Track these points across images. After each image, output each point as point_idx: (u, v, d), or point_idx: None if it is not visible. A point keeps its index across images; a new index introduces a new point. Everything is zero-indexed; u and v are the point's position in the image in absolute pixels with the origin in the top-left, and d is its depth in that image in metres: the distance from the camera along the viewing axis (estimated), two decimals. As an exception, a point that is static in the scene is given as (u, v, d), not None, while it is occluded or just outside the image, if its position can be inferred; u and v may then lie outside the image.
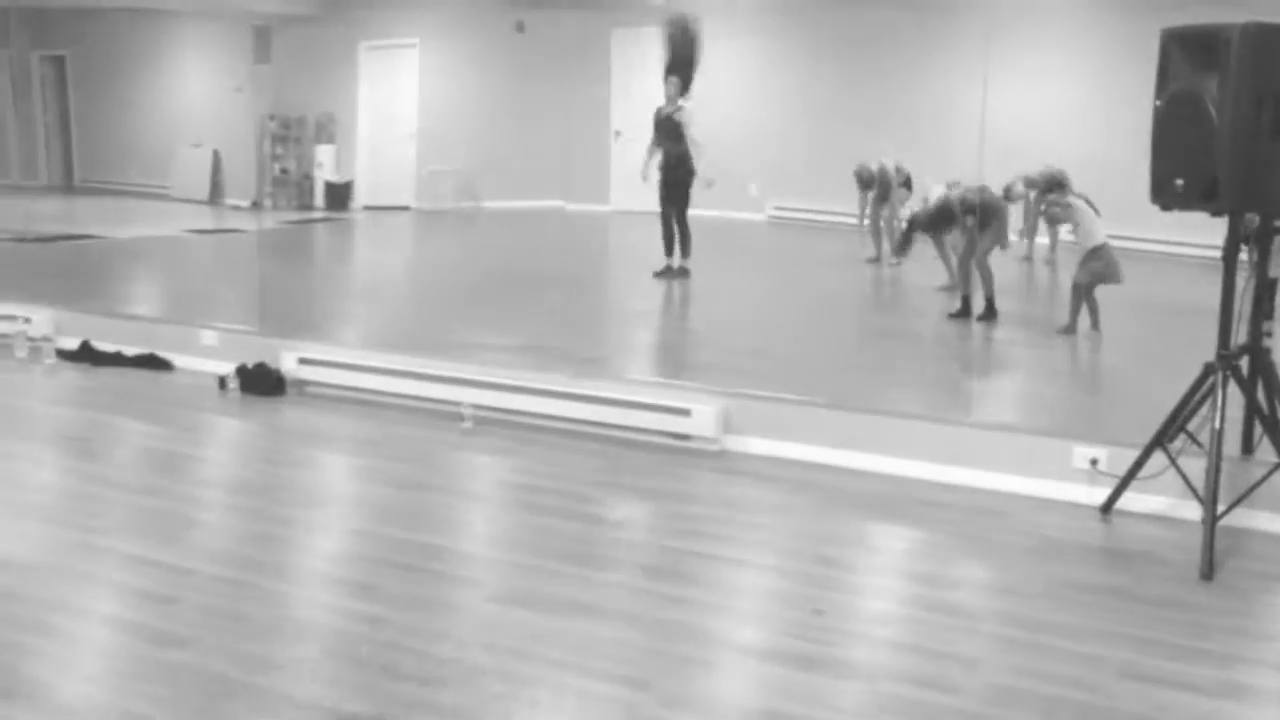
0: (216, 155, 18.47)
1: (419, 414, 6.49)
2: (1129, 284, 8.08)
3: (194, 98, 19.02)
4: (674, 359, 7.78)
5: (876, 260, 11.37)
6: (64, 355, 7.72)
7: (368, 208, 17.05)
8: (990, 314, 8.49)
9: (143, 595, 4.10)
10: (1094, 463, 5.15)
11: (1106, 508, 5.04)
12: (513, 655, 3.66)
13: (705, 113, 12.04)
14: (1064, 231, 9.48)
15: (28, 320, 7.90)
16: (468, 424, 6.26)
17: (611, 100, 16.32)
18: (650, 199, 15.69)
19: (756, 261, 11.67)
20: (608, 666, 3.60)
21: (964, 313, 8.57)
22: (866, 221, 11.73)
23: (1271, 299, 5.85)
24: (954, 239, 9.33)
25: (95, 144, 20.20)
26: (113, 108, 19.91)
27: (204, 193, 18.23)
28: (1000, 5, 13.37)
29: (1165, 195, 4.79)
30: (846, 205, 14.05)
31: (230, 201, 17.53)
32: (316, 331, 7.77)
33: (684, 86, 10.72)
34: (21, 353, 7.75)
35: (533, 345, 7.41)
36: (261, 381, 6.96)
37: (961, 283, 8.83)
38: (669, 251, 10.53)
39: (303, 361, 6.97)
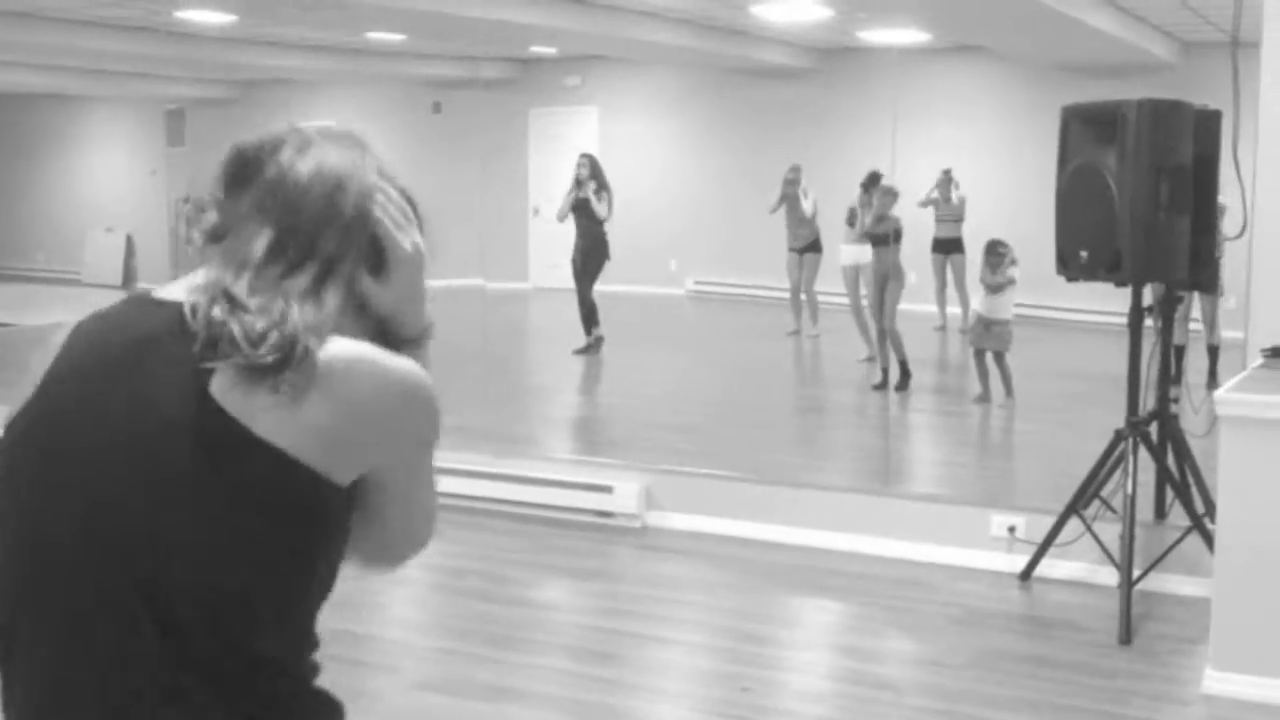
0: (129, 239, 18.27)
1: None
2: (1041, 351, 8.23)
3: (105, 181, 18.86)
4: (596, 436, 7.78)
5: (797, 333, 11.46)
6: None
7: (285, 289, 16.95)
8: (905, 379, 8.55)
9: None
10: (1011, 530, 5.21)
11: (1025, 575, 5.09)
12: (436, 744, 3.60)
13: (619, 191, 12.16)
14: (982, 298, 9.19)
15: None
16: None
17: (530, 178, 16.43)
18: (567, 276, 15.76)
19: (678, 336, 11.74)
20: (533, 753, 3.56)
21: (885, 383, 8.58)
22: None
23: (1178, 365, 6.00)
24: (862, 302, 9.46)
25: (5, 228, 19.89)
26: (23, 191, 19.66)
27: (117, 277, 18.00)
28: (906, 79, 13.71)
29: (1070, 267, 4.90)
30: (767, 279, 14.22)
31: (144, 285, 17.31)
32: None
33: (594, 169, 10.98)
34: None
35: (454, 425, 7.34)
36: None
37: (880, 352, 8.88)
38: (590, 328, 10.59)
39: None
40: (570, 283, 13.96)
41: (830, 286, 12.41)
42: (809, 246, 11.47)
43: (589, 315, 10.72)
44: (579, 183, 10.99)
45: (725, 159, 14.91)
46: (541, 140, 16.36)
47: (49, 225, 19.42)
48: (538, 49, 14.77)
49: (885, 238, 9.11)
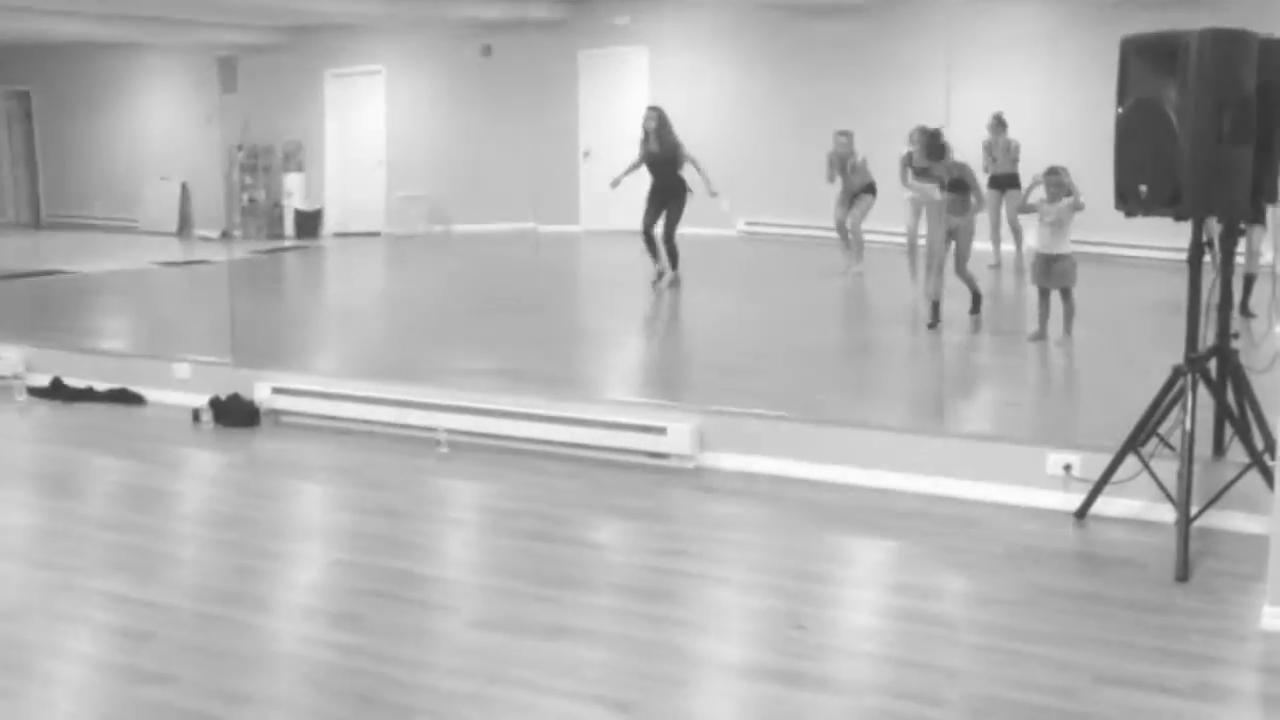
0: (184, 187, 18.42)
1: (395, 440, 6.48)
2: (1099, 288, 8.14)
3: (160, 130, 18.98)
4: (649, 378, 7.79)
5: (847, 272, 11.43)
6: (35, 393, 7.67)
7: (338, 235, 17.02)
8: (978, 303, 8.72)
9: (120, 632, 4.07)
10: (1068, 469, 5.18)
11: (1081, 513, 5.07)
12: (492, 680, 3.65)
13: (675, 129, 12.11)
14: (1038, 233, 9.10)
15: (-2, 358, 7.86)
16: (444, 449, 6.25)
17: (580, 121, 16.36)
18: (619, 218, 15.76)
19: (730, 277, 11.70)
20: (589, 689, 3.60)
21: (937, 321, 8.60)
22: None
23: (1246, 297, 5.90)
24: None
25: (62, 179, 20.11)
26: (79, 142, 19.84)
27: (173, 225, 18.18)
28: (963, 14, 13.48)
29: (1129, 202, 4.83)
30: (819, 219, 14.11)
31: (199, 233, 17.47)
32: (289, 361, 7.74)
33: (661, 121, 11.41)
34: (-8, 391, 7.71)
35: (508, 368, 7.41)
36: (235, 413, 6.93)
37: (937, 289, 8.86)
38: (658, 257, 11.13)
39: (276, 391, 6.95)
40: (623, 225, 14.02)
41: (878, 224, 12.31)
42: (863, 189, 11.39)
43: (675, 254, 11.11)
44: (647, 134, 11.24)
45: (777, 98, 14.77)
46: (591, 81, 16.28)
47: (105, 174, 19.61)
48: (587, -11, 14.67)
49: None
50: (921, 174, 9.38)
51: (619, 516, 5.36)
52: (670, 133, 11.20)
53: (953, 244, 8.80)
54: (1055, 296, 8.01)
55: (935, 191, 9.33)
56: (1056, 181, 8.24)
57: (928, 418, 6.02)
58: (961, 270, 8.69)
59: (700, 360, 8.25)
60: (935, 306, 8.67)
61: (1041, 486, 5.23)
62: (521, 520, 5.25)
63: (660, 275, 11.03)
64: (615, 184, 11.42)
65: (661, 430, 5.92)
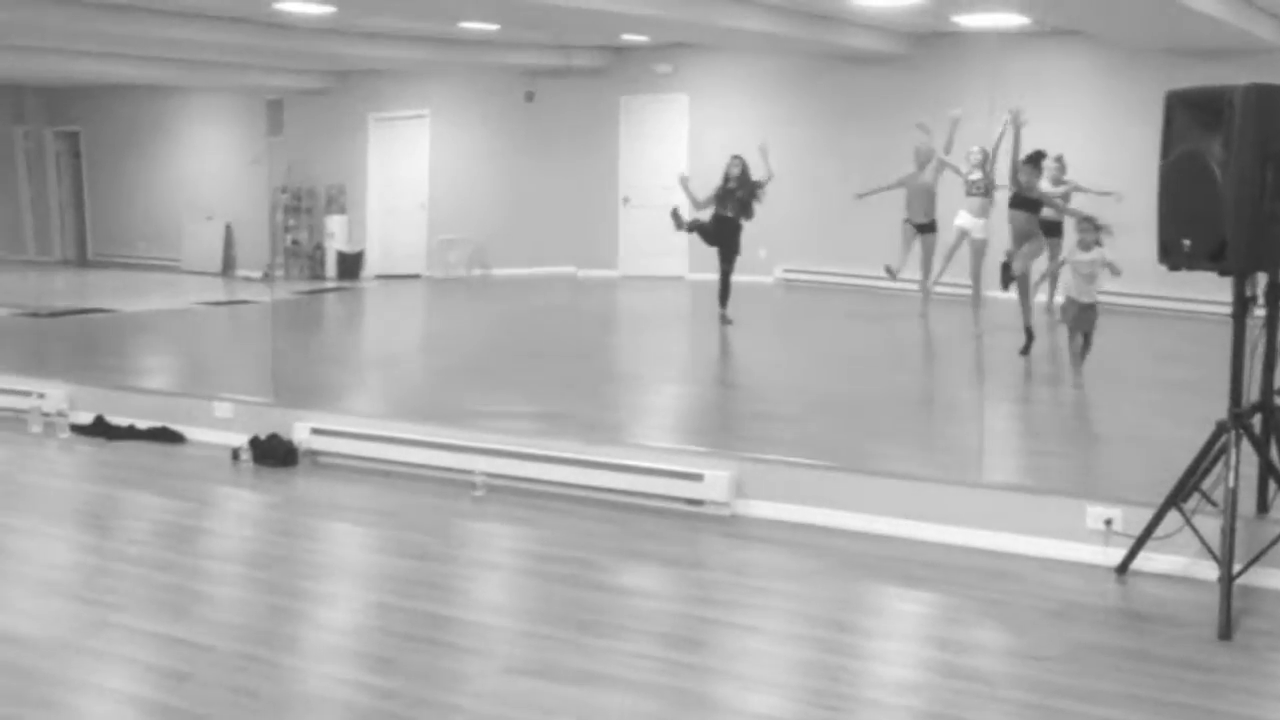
0: (229, 228, 18.64)
1: (431, 483, 6.49)
2: (1143, 340, 8.12)
3: (206, 171, 19.23)
4: (686, 423, 7.78)
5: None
6: (78, 430, 7.74)
7: (379, 277, 17.16)
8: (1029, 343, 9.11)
9: (156, 671, 4.09)
10: (1108, 523, 5.12)
11: (1122, 568, 5.01)
12: (527, 727, 3.64)
13: (708, 178, 12.19)
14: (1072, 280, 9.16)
15: (42, 395, 7.94)
16: (480, 492, 6.26)
17: (620, 167, 16.46)
18: (656, 264, 15.85)
19: (767, 324, 11.71)
20: (622, 738, 3.58)
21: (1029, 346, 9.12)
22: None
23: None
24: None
25: (108, 218, 20.41)
26: (126, 182, 20.14)
27: (216, 265, 18.39)
28: (1005, 67, 13.52)
29: (1173, 255, 4.81)
30: (855, 266, 14.11)
31: (242, 273, 17.66)
32: (329, 401, 7.80)
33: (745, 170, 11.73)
34: (36, 428, 7.78)
35: (545, 412, 7.42)
36: (274, 453, 6.97)
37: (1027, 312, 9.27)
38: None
39: (315, 432, 6.99)
40: (660, 270, 14.28)
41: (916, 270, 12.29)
42: (930, 224, 11.63)
43: (727, 293, 11.52)
44: (729, 178, 11.63)
45: (816, 146, 14.82)
46: (632, 128, 16.40)
47: (151, 214, 19.88)
48: (629, 37, 14.78)
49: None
50: (1023, 204, 9.49)
51: (654, 563, 5.35)
52: (749, 178, 11.63)
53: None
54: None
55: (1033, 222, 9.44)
56: (1089, 230, 8.27)
57: (966, 468, 5.97)
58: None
59: (737, 407, 8.24)
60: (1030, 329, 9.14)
61: (1081, 541, 5.17)
62: (556, 565, 5.25)
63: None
64: (681, 226, 11.81)
65: (698, 477, 5.91)
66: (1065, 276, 8.72)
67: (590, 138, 16.53)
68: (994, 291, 11.27)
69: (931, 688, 3.96)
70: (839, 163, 14.69)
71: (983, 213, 10.83)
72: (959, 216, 11.10)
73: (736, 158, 11.80)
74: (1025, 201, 9.31)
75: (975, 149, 10.97)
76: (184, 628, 4.46)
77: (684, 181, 11.90)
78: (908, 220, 11.67)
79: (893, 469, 5.89)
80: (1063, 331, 9.03)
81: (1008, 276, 9.42)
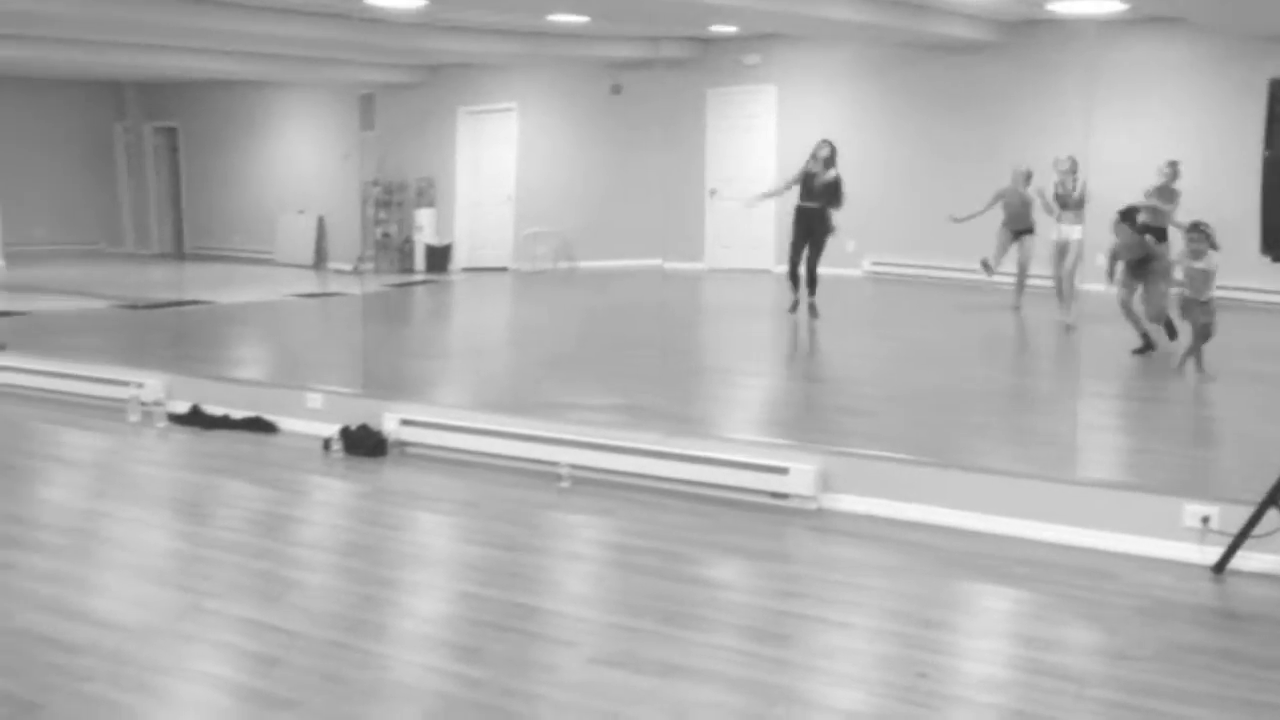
0: (321, 221, 18.91)
1: (517, 474, 6.54)
2: (1242, 335, 7.95)
3: (299, 165, 19.53)
4: (772, 417, 7.74)
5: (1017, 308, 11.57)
6: (175, 419, 7.91)
7: (466, 270, 17.30)
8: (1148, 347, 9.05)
9: (248, 657, 4.16)
10: (1205, 520, 5.01)
11: (1219, 567, 4.90)
12: (609, 717, 3.64)
13: (795, 168, 12.15)
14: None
15: (140, 385, 8.12)
16: (565, 484, 6.28)
17: (706, 159, 16.42)
18: (742, 257, 15.80)
19: (856, 317, 11.61)
20: (706, 731, 3.57)
21: (1147, 348, 9.05)
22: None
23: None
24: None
25: (204, 212, 20.81)
26: (221, 176, 20.52)
27: (308, 258, 18.66)
28: (1102, 56, 13.26)
29: (1276, 248, 4.69)
30: (945, 259, 13.95)
31: (334, 266, 17.91)
32: (418, 393, 7.88)
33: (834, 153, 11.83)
34: (135, 417, 7.96)
35: (630, 404, 7.43)
36: (364, 443, 7.06)
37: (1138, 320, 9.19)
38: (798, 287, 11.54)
39: (404, 423, 7.07)
40: (746, 263, 14.29)
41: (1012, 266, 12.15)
42: (1028, 228, 11.64)
43: (815, 281, 11.50)
44: (819, 160, 11.69)
45: (906, 138, 14.66)
46: (719, 120, 16.34)
47: (245, 208, 20.24)
48: (717, 28, 14.73)
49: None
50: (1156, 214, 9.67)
51: (739, 556, 5.33)
52: (835, 167, 11.62)
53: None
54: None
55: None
56: (1200, 237, 8.14)
57: (1058, 464, 5.88)
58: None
59: (825, 400, 8.18)
60: (1145, 336, 9.10)
61: (1177, 539, 5.06)
62: (641, 557, 5.25)
63: (796, 304, 11.38)
64: (751, 203, 12.35)
65: (783, 470, 5.88)
66: (1178, 275, 8.58)
67: (677, 130, 16.51)
68: (1089, 285, 11.10)
69: (1019, 686, 3.91)
70: (929, 154, 14.53)
71: (1078, 220, 10.75)
72: (1056, 230, 11.02)
73: (825, 141, 11.78)
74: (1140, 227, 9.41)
75: (1064, 157, 10.84)
76: (276, 614, 4.54)
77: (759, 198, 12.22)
78: (1005, 225, 11.69)
79: (984, 464, 5.82)
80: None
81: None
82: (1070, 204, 10.78)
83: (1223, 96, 12.72)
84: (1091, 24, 12.98)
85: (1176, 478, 5.76)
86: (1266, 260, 4.84)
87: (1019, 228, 11.55)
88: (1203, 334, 8.20)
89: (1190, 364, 8.24)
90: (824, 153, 11.65)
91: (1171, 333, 9.09)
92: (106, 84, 20.42)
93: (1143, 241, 9.31)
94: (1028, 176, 11.62)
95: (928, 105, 14.62)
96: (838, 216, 11.69)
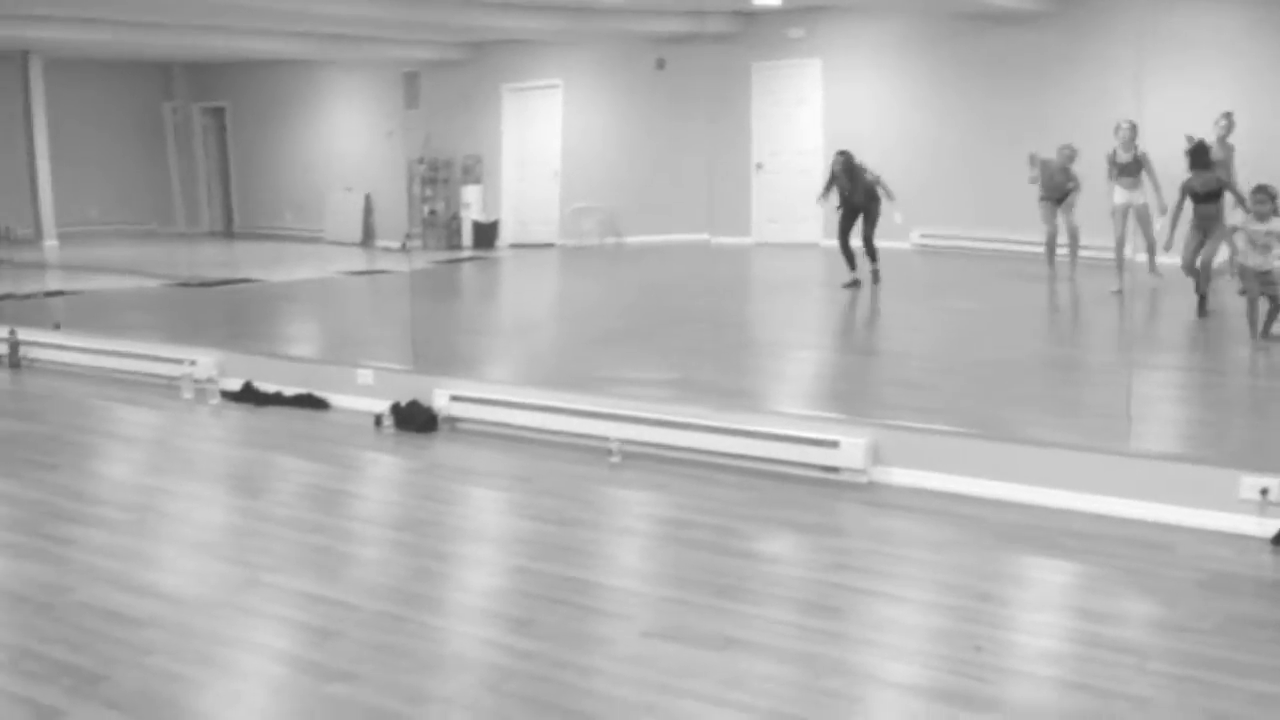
0: (368, 199, 19.01)
1: (568, 449, 6.56)
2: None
3: (346, 144, 19.63)
4: (822, 390, 7.72)
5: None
6: (228, 396, 7.99)
7: (513, 246, 17.35)
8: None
9: (306, 629, 4.21)
10: (1264, 493, 4.95)
11: (1278, 539, 4.84)
12: (664, 690, 3.66)
13: (846, 143, 12.08)
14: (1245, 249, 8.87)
15: (193, 363, 8.20)
16: (616, 458, 6.30)
17: (752, 134, 16.35)
18: (790, 231, 15.78)
19: (905, 290, 11.54)
20: (760, 702, 3.58)
21: (1205, 310, 9.14)
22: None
23: None
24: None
25: (253, 191, 20.97)
26: (270, 155, 20.67)
27: (356, 235, 18.78)
28: (1154, 27, 13.06)
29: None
30: (995, 230, 13.82)
31: (381, 243, 18.01)
32: (467, 369, 7.92)
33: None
34: (189, 394, 8.05)
35: (680, 379, 7.43)
36: (415, 419, 7.10)
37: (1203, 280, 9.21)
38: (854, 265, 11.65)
39: (454, 399, 7.10)
40: (794, 238, 14.33)
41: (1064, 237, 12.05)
42: (1063, 196, 11.75)
43: (875, 252, 11.71)
44: (838, 176, 11.79)
45: (953, 109, 14.53)
46: (764, 94, 16.26)
47: (293, 186, 20.37)
48: (762, 1, 14.64)
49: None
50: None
51: (791, 530, 5.33)
52: (861, 175, 11.66)
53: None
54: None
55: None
56: (1266, 199, 8.02)
57: (1113, 435, 5.82)
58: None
59: (875, 373, 8.15)
60: (1203, 296, 9.19)
61: (1234, 511, 5.01)
62: (693, 531, 5.26)
63: (856, 281, 11.45)
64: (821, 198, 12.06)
65: (834, 444, 5.86)
66: (1238, 242, 8.45)
67: (722, 104, 16.45)
68: (1166, 258, 11.00)
69: (1078, 659, 3.88)
70: (977, 126, 14.39)
71: (1134, 185, 10.69)
72: (1115, 194, 10.92)
73: (838, 155, 11.78)
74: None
75: (1125, 124, 10.74)
76: (331, 587, 4.58)
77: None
78: (1044, 198, 11.69)
79: (1036, 436, 5.78)
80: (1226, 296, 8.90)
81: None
82: (1128, 170, 10.68)
83: (1274, 59, 12.50)
84: (1145, -9, 12.79)
85: (1233, 450, 5.70)
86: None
87: (1057, 196, 11.62)
88: (1272, 306, 8.10)
89: (1260, 334, 8.14)
90: (836, 168, 11.69)
91: (1202, 307, 9.16)
92: (155, 64, 20.59)
93: (1216, 177, 9.38)
94: (1071, 156, 11.67)
95: (976, 77, 14.47)
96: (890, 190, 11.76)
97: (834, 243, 12.17)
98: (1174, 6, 12.82)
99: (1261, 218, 8.11)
